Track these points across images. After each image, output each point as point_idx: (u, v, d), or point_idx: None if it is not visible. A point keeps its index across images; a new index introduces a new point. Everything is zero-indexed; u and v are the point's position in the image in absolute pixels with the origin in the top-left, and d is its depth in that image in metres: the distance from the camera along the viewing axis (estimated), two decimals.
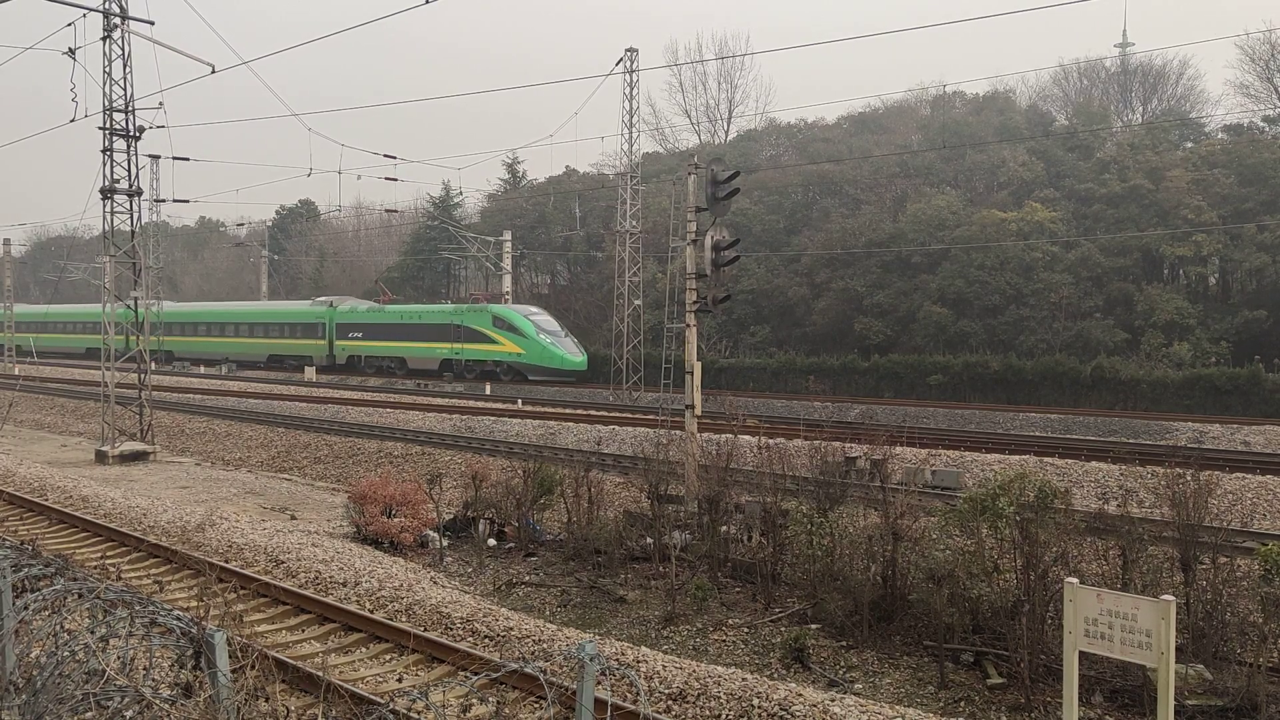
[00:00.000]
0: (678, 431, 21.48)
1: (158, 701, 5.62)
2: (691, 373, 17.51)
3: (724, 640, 11.75)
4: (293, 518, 19.15)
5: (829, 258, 53.37)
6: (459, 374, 47.99)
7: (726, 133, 76.19)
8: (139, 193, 27.01)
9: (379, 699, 8.59)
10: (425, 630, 11.14)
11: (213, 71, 25.62)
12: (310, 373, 53.30)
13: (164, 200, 56.46)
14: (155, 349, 65.77)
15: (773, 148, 70.59)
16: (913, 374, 43.61)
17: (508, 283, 57.03)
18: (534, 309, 49.86)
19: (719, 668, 9.71)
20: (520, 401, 36.36)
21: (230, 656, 5.78)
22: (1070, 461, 20.38)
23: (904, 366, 44.28)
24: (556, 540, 16.23)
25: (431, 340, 49.88)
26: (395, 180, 56.97)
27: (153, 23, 26.54)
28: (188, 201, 60.99)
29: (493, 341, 46.78)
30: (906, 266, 50.73)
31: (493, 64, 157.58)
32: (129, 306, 27.57)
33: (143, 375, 27.93)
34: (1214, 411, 32.07)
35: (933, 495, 16.27)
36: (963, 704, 9.78)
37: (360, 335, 54.26)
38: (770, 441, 16.49)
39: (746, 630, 11.96)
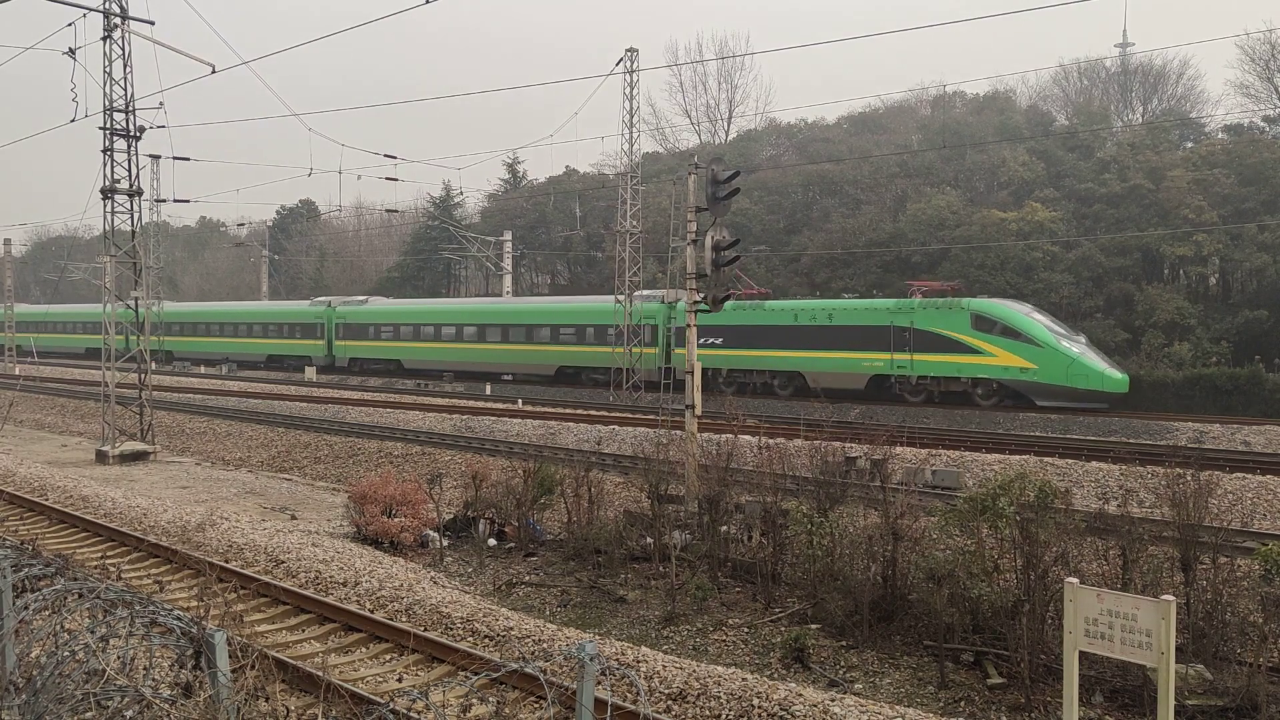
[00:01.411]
0: (678, 431, 21.48)
1: (158, 701, 5.62)
2: (691, 372, 17.50)
3: (724, 640, 11.75)
4: (293, 518, 19.15)
5: (829, 258, 53.39)
6: (898, 395, 33.93)
7: (726, 133, 76.21)
8: (139, 193, 27.01)
9: (379, 699, 8.58)
10: (425, 630, 11.15)
11: (213, 71, 25.64)
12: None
13: (164, 200, 56.38)
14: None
15: (773, 148, 70.59)
16: None
17: (508, 282, 57.04)
18: (1020, 304, 35.73)
19: (719, 668, 9.71)
20: (520, 401, 36.36)
21: (230, 656, 5.79)
22: (1070, 461, 20.37)
23: None
24: (556, 540, 16.23)
25: (853, 347, 34.58)
26: (395, 180, 56.89)
27: (153, 23, 26.56)
28: (188, 201, 60.98)
29: (973, 351, 32.73)
30: (906, 266, 50.72)
31: (493, 64, 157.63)
32: (130, 306, 27.56)
33: (143, 375, 27.94)
34: (1214, 411, 32.04)
35: (933, 495, 16.27)
36: (963, 704, 9.78)
37: (720, 342, 37.96)
38: (770, 441, 16.49)
39: (746, 630, 11.96)
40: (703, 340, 35.52)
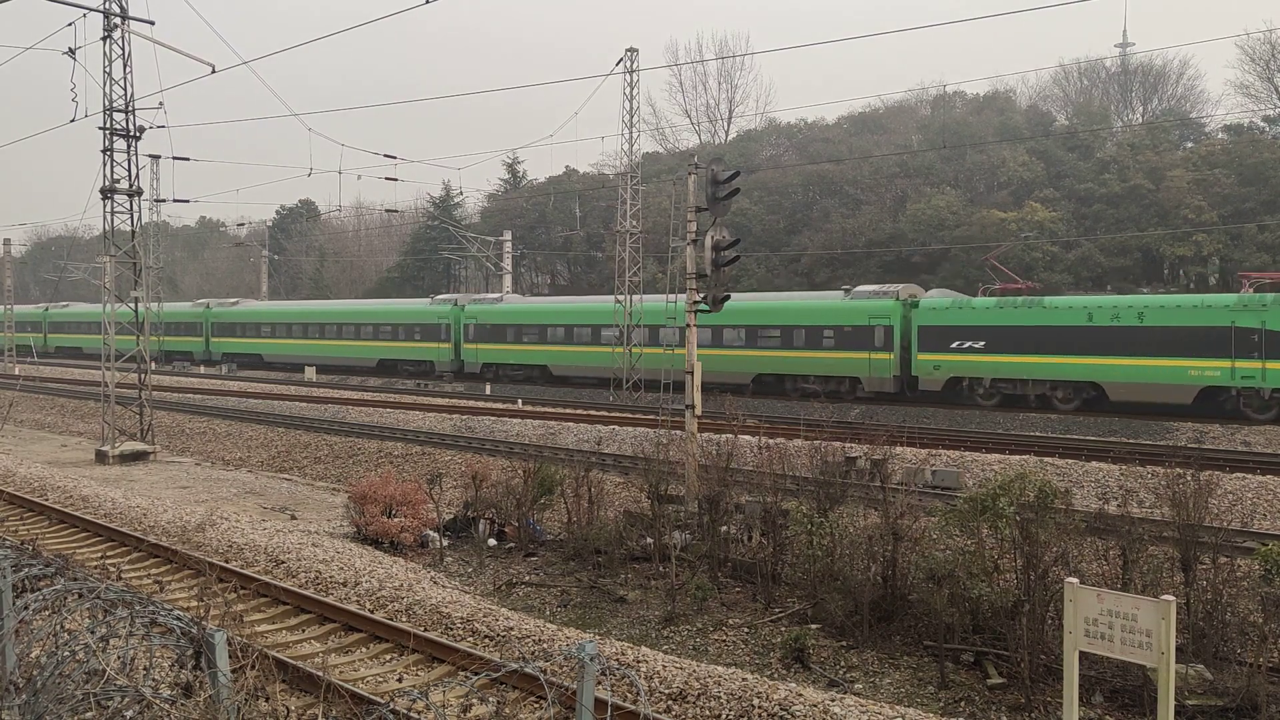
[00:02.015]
0: (678, 431, 21.47)
1: (158, 701, 5.62)
2: (691, 372, 17.50)
3: (724, 640, 11.75)
4: (293, 518, 19.15)
5: (829, 258, 53.41)
6: (1239, 411, 28.26)
7: (726, 133, 76.26)
8: (139, 193, 27.01)
9: (379, 699, 8.58)
10: (425, 630, 11.14)
11: (213, 71, 25.64)
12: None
13: (164, 200, 56.35)
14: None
15: (773, 148, 70.62)
16: None
17: (508, 282, 57.02)
18: None
19: (719, 668, 9.71)
20: (520, 401, 36.35)
21: (230, 656, 5.78)
22: (1070, 461, 20.37)
23: None
24: (556, 540, 16.23)
25: (1175, 353, 29.20)
26: (395, 180, 56.73)
27: (153, 23, 26.56)
28: (188, 201, 61.00)
29: None
30: (906, 266, 50.75)
31: (493, 64, 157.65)
32: (131, 306, 27.55)
33: (143, 375, 27.94)
34: (1214, 411, 31.98)
35: (933, 495, 16.27)
36: (963, 704, 9.78)
37: (981, 345, 32.53)
38: (770, 441, 16.50)
39: (746, 630, 11.96)
40: (959, 343, 32.54)
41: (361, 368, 51.98)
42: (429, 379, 48.20)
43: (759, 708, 8.59)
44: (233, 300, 64.14)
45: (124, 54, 26.03)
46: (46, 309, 76.54)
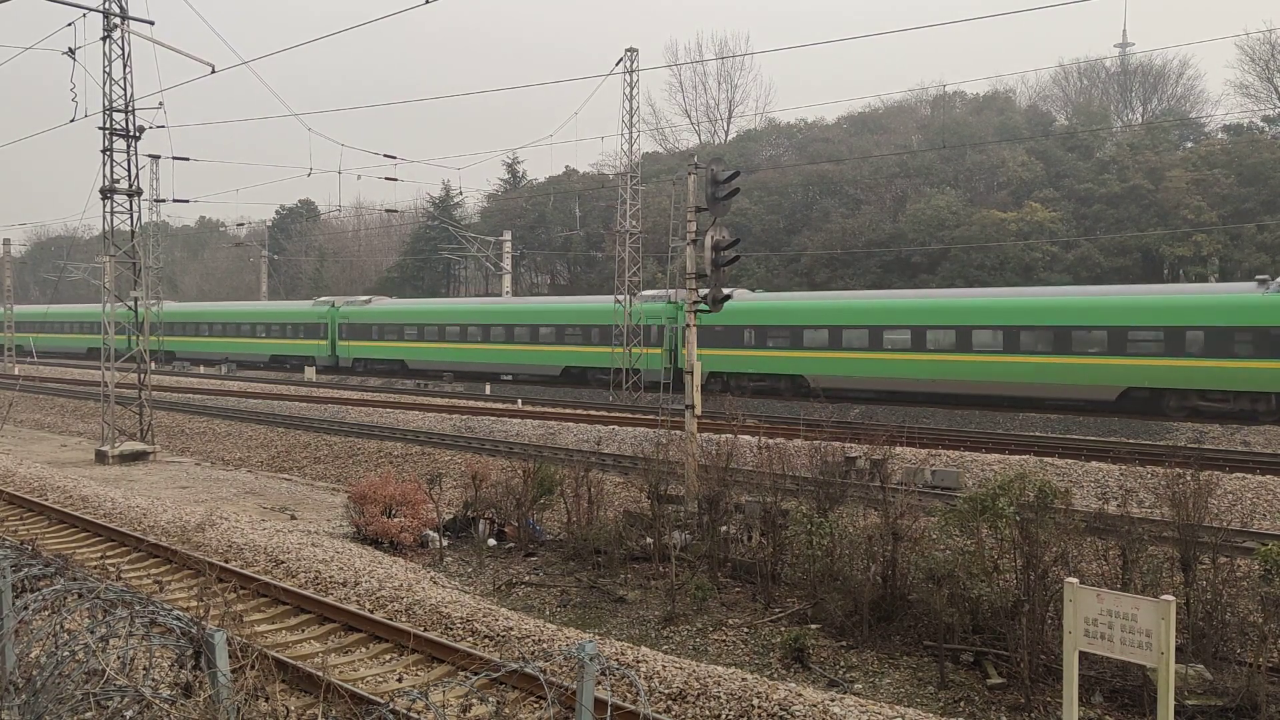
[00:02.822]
0: (678, 431, 21.47)
1: (158, 701, 5.62)
2: (691, 372, 17.50)
3: (724, 640, 11.75)
4: (293, 518, 19.15)
5: (829, 258, 53.43)
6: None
7: (726, 133, 76.28)
8: (139, 193, 27.01)
9: (379, 699, 8.58)
10: (425, 630, 11.14)
11: (213, 71, 25.65)
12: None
13: (164, 200, 56.34)
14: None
15: (773, 148, 70.64)
16: None
17: (508, 282, 57.04)
18: None
19: (719, 668, 9.71)
20: (520, 401, 36.35)
21: (230, 656, 5.78)
22: (1070, 461, 20.37)
23: None
24: (556, 540, 16.23)
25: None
26: (395, 180, 56.76)
27: (153, 23, 26.55)
28: (188, 201, 60.89)
29: None
30: (906, 266, 50.78)
31: (493, 64, 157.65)
32: (130, 306, 27.53)
33: (142, 375, 27.94)
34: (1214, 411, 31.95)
35: (933, 495, 16.27)
36: (963, 704, 9.78)
37: None
38: (770, 441, 16.49)
39: (746, 630, 11.96)
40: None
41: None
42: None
43: (759, 708, 8.59)
44: (364, 298, 56.76)
45: (124, 54, 26.03)
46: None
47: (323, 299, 57.80)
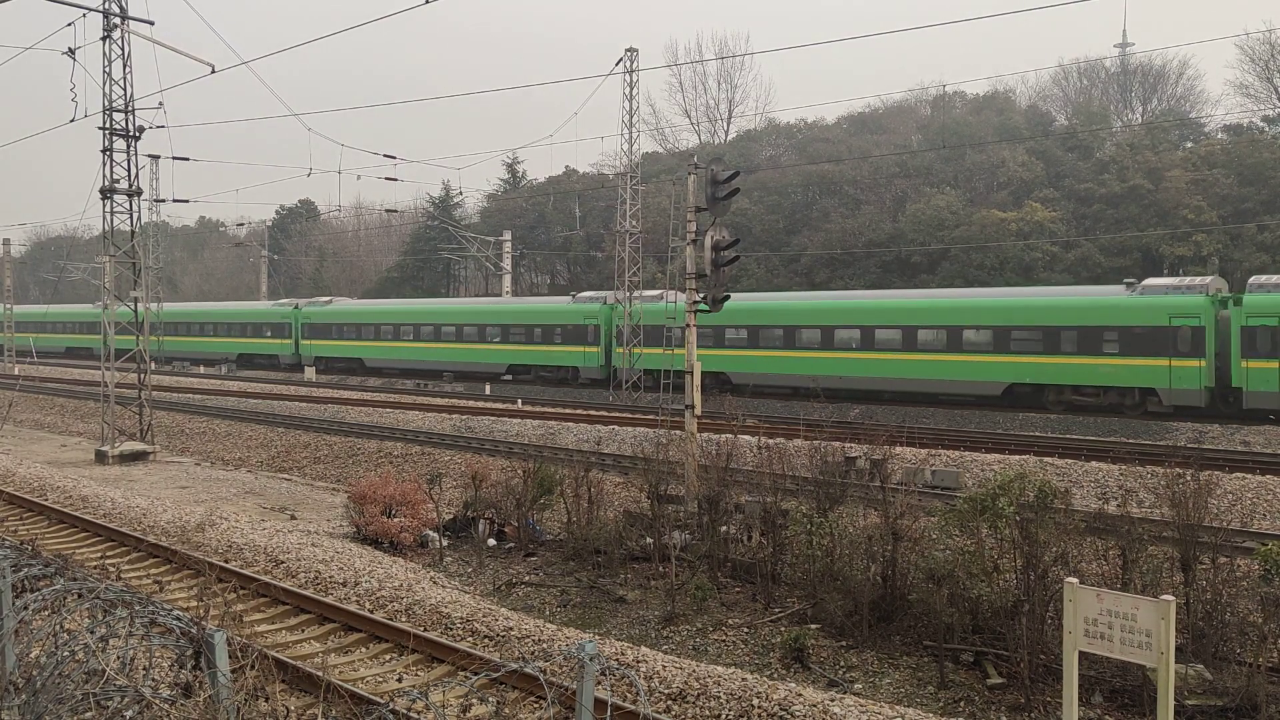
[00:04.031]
0: (678, 431, 21.47)
1: (158, 701, 5.62)
2: (691, 372, 17.50)
3: (724, 640, 11.75)
4: (292, 518, 19.15)
5: (829, 258, 53.43)
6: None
7: (726, 133, 76.25)
8: (139, 193, 27.01)
9: (379, 699, 8.58)
10: (425, 630, 11.14)
11: (213, 71, 25.65)
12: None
13: (164, 200, 56.36)
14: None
15: (773, 148, 70.62)
16: None
17: (507, 282, 57.03)
18: None
19: (719, 668, 9.71)
20: (520, 401, 36.35)
21: (230, 656, 5.78)
22: (1070, 461, 20.38)
23: None
24: (556, 540, 16.23)
25: None
26: (395, 180, 56.89)
27: (153, 23, 26.56)
28: (188, 201, 61.02)
29: None
30: (906, 266, 50.78)
31: (493, 64, 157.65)
32: (130, 306, 27.52)
33: (142, 375, 27.93)
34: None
35: (933, 495, 16.27)
36: (963, 704, 9.78)
37: None
38: (770, 441, 16.50)
39: (746, 630, 11.96)
40: None
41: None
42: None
43: (759, 708, 8.59)
44: (325, 299, 58.32)
45: (124, 54, 26.03)
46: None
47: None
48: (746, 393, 35.05)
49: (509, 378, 44.35)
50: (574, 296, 43.82)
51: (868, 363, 33.54)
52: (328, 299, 57.63)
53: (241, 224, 79.95)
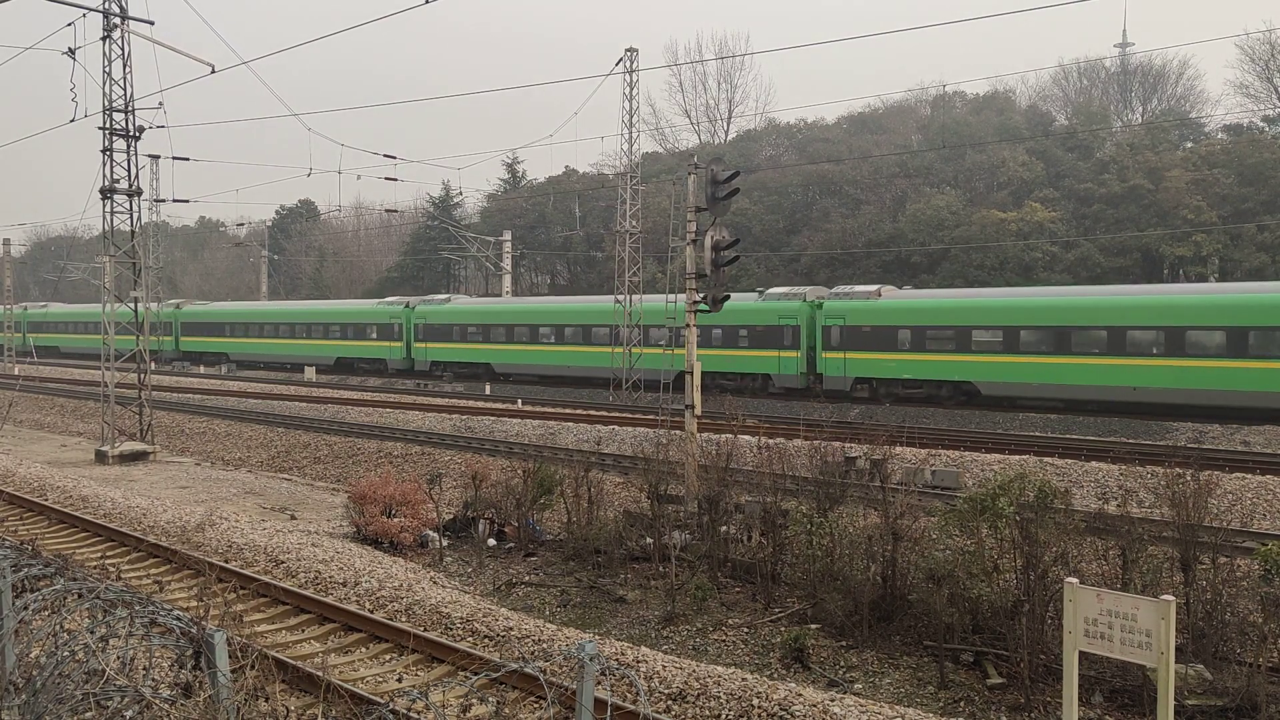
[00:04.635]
0: (678, 431, 21.47)
1: (158, 701, 5.62)
2: (691, 372, 17.50)
3: (724, 640, 11.75)
4: (292, 518, 19.15)
5: (829, 258, 53.44)
6: None
7: (726, 133, 76.26)
8: (139, 193, 27.01)
9: (379, 699, 8.58)
10: (425, 630, 11.14)
11: (213, 71, 25.64)
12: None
13: (164, 200, 56.33)
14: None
15: (772, 148, 70.62)
16: None
17: (507, 282, 57.04)
18: None
19: (719, 668, 9.71)
20: (520, 401, 36.34)
21: (230, 656, 5.78)
22: (1070, 461, 20.37)
23: None
24: (556, 540, 16.23)
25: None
26: (395, 180, 56.77)
27: (153, 23, 26.55)
28: (188, 201, 60.90)
29: None
30: (906, 266, 50.77)
31: (492, 64, 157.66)
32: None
33: (142, 375, 27.94)
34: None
35: (933, 495, 16.27)
36: (963, 704, 9.78)
37: None
38: (770, 441, 16.50)
39: (746, 630, 11.96)
40: None
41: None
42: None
43: (759, 708, 8.59)
44: (442, 297, 52.49)
45: (124, 54, 26.03)
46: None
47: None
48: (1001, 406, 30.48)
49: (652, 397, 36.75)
50: (761, 293, 37.65)
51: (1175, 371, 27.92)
52: (445, 296, 51.74)
53: (241, 224, 79.98)
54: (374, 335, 50.16)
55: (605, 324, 40.12)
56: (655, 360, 35.93)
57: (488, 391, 41.92)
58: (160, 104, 38.17)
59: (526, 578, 14.61)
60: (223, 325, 59.03)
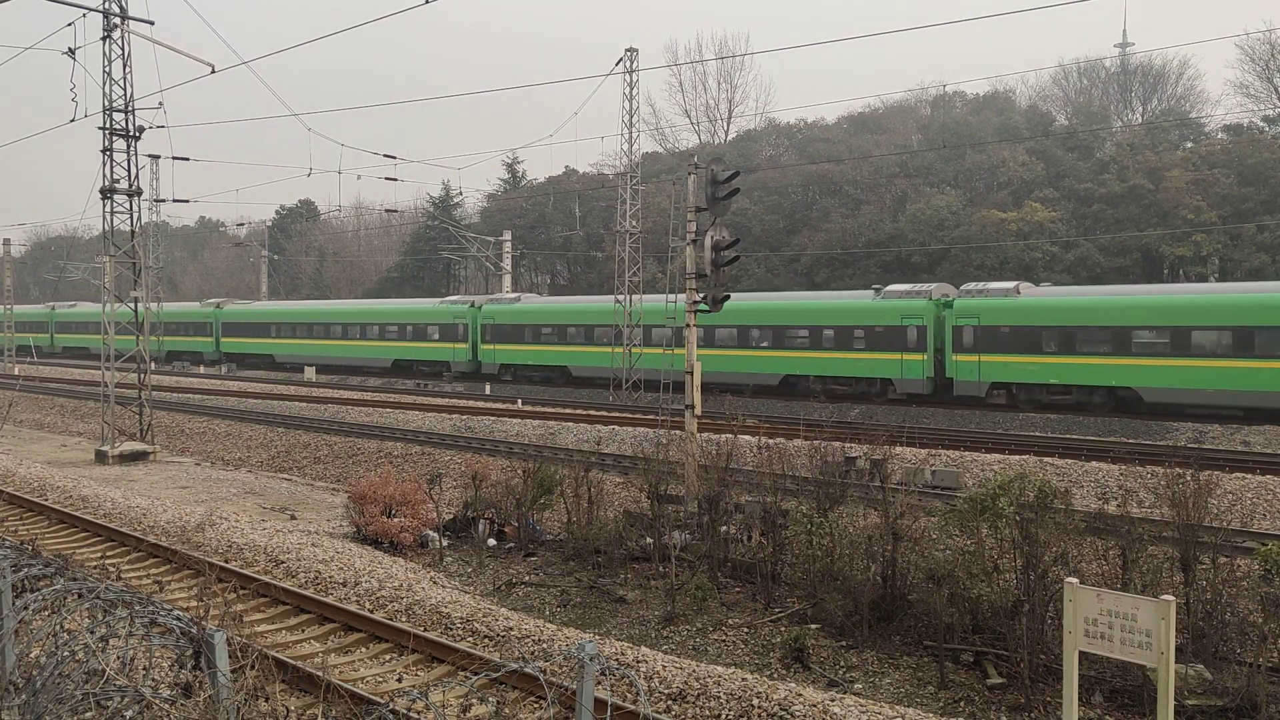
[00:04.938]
0: (678, 431, 21.47)
1: (158, 701, 5.62)
2: (691, 372, 17.50)
3: (724, 640, 11.75)
4: (293, 518, 19.15)
5: (829, 258, 53.43)
6: None
7: (726, 133, 76.24)
8: (139, 193, 27.01)
9: (379, 699, 8.58)
10: (425, 630, 11.14)
11: (213, 71, 25.65)
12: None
13: (164, 200, 56.31)
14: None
15: (772, 148, 70.61)
16: None
17: (507, 282, 57.06)
18: None
19: (719, 668, 9.71)
20: (520, 401, 36.34)
21: (230, 656, 5.78)
22: (1070, 461, 20.37)
23: None
24: (556, 540, 16.23)
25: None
26: (395, 180, 56.77)
27: (153, 23, 26.55)
28: (188, 201, 60.93)
29: None
30: (906, 266, 50.76)
31: (492, 65, 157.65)
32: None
33: (142, 375, 27.94)
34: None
35: (932, 495, 16.27)
36: (963, 704, 9.78)
37: None
38: (770, 441, 16.50)
39: (746, 630, 11.96)
40: None
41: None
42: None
43: (759, 708, 8.59)
44: (512, 295, 49.11)
45: (124, 54, 26.03)
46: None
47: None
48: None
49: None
50: (878, 291, 34.75)
51: None
52: (515, 295, 48.22)
53: (241, 224, 79.99)
54: (436, 336, 46.65)
55: (730, 325, 36.37)
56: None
57: (488, 391, 41.92)
58: (160, 104, 38.22)
59: (526, 578, 14.61)
60: (268, 326, 56.19)
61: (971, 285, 33.27)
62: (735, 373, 35.80)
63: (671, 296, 34.35)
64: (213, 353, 59.36)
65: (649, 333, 38.28)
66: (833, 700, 8.72)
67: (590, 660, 5.39)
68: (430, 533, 16.53)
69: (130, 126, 26.31)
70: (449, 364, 46.23)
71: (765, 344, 35.28)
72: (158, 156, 54.57)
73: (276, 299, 79.19)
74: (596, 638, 11.01)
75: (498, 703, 8.89)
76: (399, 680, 9.72)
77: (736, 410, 23.90)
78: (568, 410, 32.52)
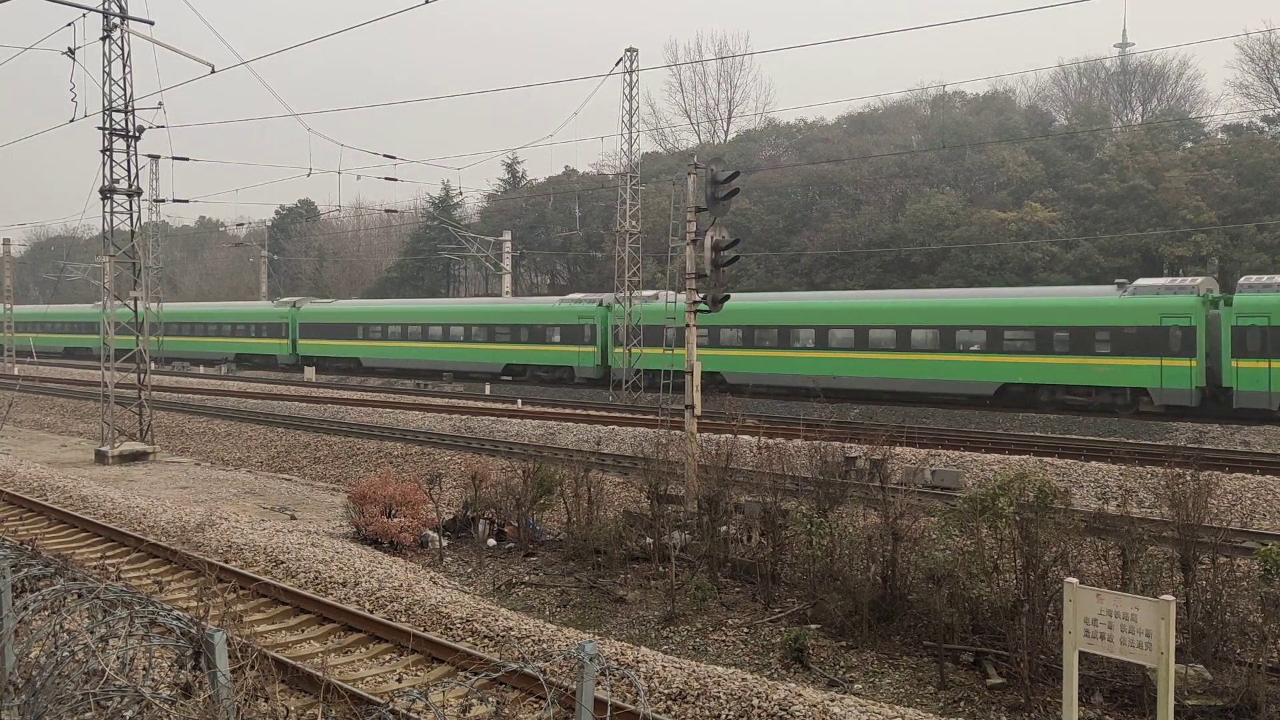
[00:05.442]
0: (678, 431, 21.47)
1: (157, 701, 5.62)
2: (691, 372, 17.50)
3: (724, 640, 11.75)
4: (292, 518, 19.15)
5: (829, 258, 53.43)
6: None
7: (726, 133, 76.24)
8: (139, 193, 27.01)
9: (379, 699, 8.58)
10: (425, 630, 11.14)
11: (213, 71, 25.65)
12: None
13: (164, 200, 56.23)
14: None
15: (772, 148, 70.61)
16: None
17: (507, 282, 57.06)
18: None
19: (719, 668, 9.71)
20: (520, 401, 36.34)
21: (230, 656, 5.78)
22: (1070, 461, 20.37)
23: None
24: (556, 540, 16.23)
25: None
26: (395, 180, 56.76)
27: (152, 23, 26.55)
28: (187, 201, 61.01)
29: None
30: (906, 266, 50.77)
31: (492, 65, 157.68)
32: (129, 306, 27.50)
33: (142, 375, 27.93)
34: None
35: (932, 495, 16.27)
36: (963, 704, 9.78)
37: None
38: (770, 441, 16.50)
39: (746, 630, 11.96)
40: None
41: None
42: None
43: (759, 708, 8.59)
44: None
45: (123, 54, 26.03)
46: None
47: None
48: None
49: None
50: (1122, 286, 30.69)
51: None
52: (652, 293, 40.75)
53: (241, 224, 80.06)
54: (556, 339, 42.72)
55: (888, 325, 33.62)
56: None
57: (488, 391, 41.93)
58: (160, 104, 38.28)
59: (526, 578, 14.60)
60: (354, 327, 51.42)
61: (1252, 278, 28.52)
62: (936, 379, 31.93)
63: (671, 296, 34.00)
64: (288, 356, 55.51)
65: (865, 335, 34.23)
66: (833, 700, 8.72)
67: (590, 660, 5.39)
68: (430, 533, 16.53)
69: (130, 126, 26.31)
70: (573, 369, 42.30)
71: (975, 348, 31.20)
72: (157, 156, 54.62)
73: (277, 298, 79.07)
74: (596, 638, 11.01)
75: (498, 703, 8.89)
76: (399, 680, 9.72)
77: (736, 410, 23.90)
78: (567, 410, 32.52)
